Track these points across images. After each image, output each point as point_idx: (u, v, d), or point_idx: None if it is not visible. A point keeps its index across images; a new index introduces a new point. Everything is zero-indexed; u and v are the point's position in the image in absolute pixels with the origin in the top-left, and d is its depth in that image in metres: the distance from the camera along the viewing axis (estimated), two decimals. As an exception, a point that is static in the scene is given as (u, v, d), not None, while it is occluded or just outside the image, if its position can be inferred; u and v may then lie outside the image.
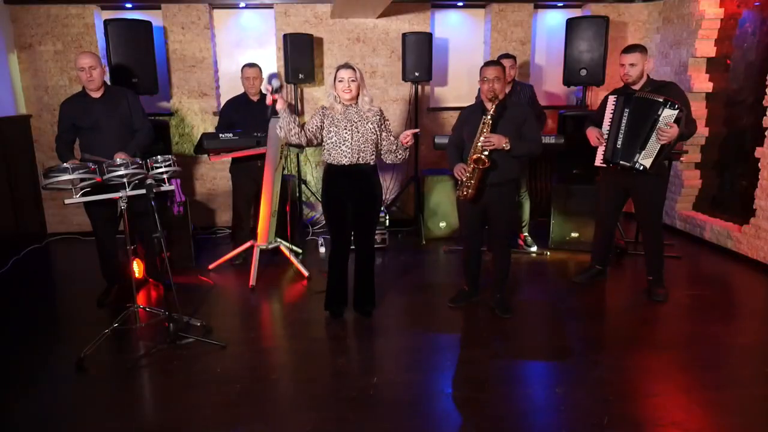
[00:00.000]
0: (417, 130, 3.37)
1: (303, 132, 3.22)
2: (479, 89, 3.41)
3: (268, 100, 3.15)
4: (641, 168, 3.49)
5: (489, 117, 3.16)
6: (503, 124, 3.24)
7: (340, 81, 3.18)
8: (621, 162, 3.57)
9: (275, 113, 3.19)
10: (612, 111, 3.65)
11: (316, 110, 3.33)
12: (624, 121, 3.55)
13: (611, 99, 3.70)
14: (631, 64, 3.51)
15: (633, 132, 3.51)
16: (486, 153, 3.15)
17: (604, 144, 3.67)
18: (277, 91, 3.17)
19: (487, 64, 3.29)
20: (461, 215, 3.56)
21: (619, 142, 3.58)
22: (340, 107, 3.23)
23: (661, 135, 3.37)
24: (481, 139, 3.15)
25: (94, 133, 3.57)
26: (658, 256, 3.79)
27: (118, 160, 3.13)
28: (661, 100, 3.39)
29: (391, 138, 3.35)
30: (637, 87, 3.58)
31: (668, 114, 3.37)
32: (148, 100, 4.73)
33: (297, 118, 3.24)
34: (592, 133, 3.73)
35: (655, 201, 3.70)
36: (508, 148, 3.17)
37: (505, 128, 3.22)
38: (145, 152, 3.63)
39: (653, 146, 3.44)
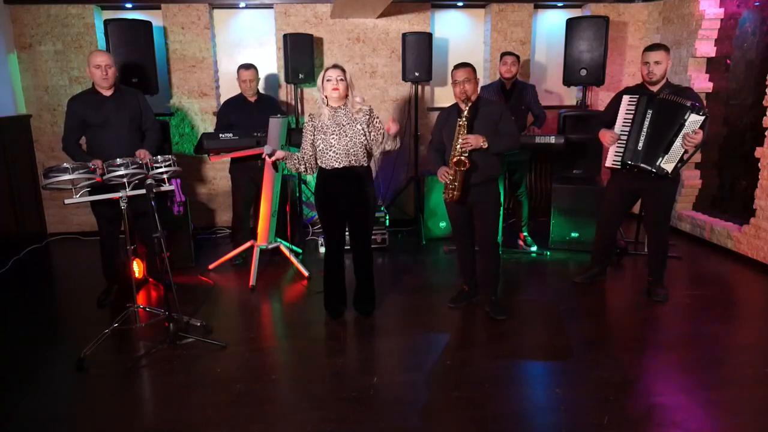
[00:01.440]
0: (396, 127, 3.22)
1: (307, 161, 3.31)
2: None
3: (268, 161, 3.32)
4: (663, 173, 3.42)
5: (464, 119, 3.19)
6: (479, 123, 3.26)
7: (328, 80, 3.18)
8: (641, 165, 3.49)
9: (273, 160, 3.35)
10: (632, 111, 3.56)
11: (305, 126, 3.32)
12: (647, 122, 3.47)
13: (626, 98, 3.61)
14: (656, 62, 3.43)
15: (657, 135, 3.43)
16: (465, 154, 3.17)
17: (620, 142, 3.59)
18: (271, 155, 3.29)
19: (456, 67, 3.30)
20: (449, 216, 3.58)
21: (641, 144, 3.49)
22: (328, 111, 3.23)
23: (688, 141, 3.31)
24: (459, 141, 3.18)
25: (104, 131, 3.60)
26: (661, 258, 3.78)
27: (160, 158, 3.22)
28: (688, 104, 3.33)
29: (381, 132, 3.29)
30: (656, 88, 3.51)
31: (694, 119, 3.32)
32: (149, 100, 4.72)
33: (301, 155, 3.32)
34: (605, 134, 3.63)
35: (666, 204, 3.66)
36: (486, 146, 3.19)
37: (481, 127, 3.24)
38: (156, 151, 3.69)
39: (677, 151, 3.38)
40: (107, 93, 3.61)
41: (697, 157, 5.24)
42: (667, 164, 3.43)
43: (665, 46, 3.51)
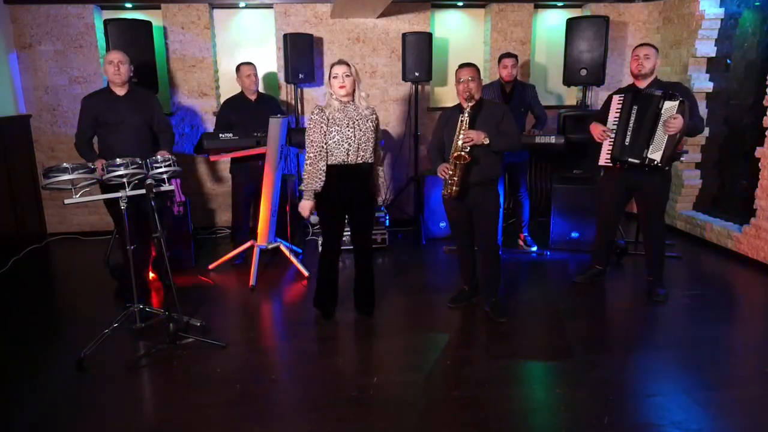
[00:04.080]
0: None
1: (323, 158, 3.18)
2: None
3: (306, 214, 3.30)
4: (653, 163, 3.49)
5: (466, 114, 3.20)
6: (481, 122, 3.27)
7: (334, 77, 3.18)
8: (630, 159, 3.57)
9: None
10: (619, 109, 3.66)
11: (313, 118, 3.18)
12: (632, 118, 3.58)
13: (616, 98, 3.71)
14: (646, 56, 3.55)
15: (640, 128, 3.54)
16: (466, 149, 3.18)
17: (610, 139, 3.67)
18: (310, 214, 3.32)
19: (462, 66, 3.32)
20: (448, 217, 3.58)
21: (628, 140, 3.60)
22: (338, 104, 3.22)
23: (668, 126, 3.40)
24: (461, 135, 3.18)
25: (117, 130, 3.60)
26: (659, 257, 3.78)
27: (160, 158, 3.24)
28: (659, 93, 3.46)
29: (377, 152, 3.35)
30: (644, 84, 3.60)
31: (669, 105, 3.42)
32: (148, 100, 4.74)
33: (314, 170, 3.18)
34: (596, 128, 3.73)
35: (658, 201, 3.70)
36: (488, 142, 3.20)
37: (483, 126, 3.25)
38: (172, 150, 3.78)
39: (660, 139, 3.46)
40: (121, 92, 3.63)
41: (697, 157, 5.24)
42: (654, 154, 3.50)
43: (654, 45, 3.64)
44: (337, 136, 3.17)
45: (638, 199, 3.77)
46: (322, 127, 3.16)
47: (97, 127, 3.63)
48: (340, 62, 3.20)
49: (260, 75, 4.69)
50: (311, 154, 3.17)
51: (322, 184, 3.19)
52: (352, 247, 3.51)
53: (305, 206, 3.25)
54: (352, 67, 3.20)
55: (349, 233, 3.61)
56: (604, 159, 3.74)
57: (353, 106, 3.24)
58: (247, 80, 4.44)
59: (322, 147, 3.17)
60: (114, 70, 3.56)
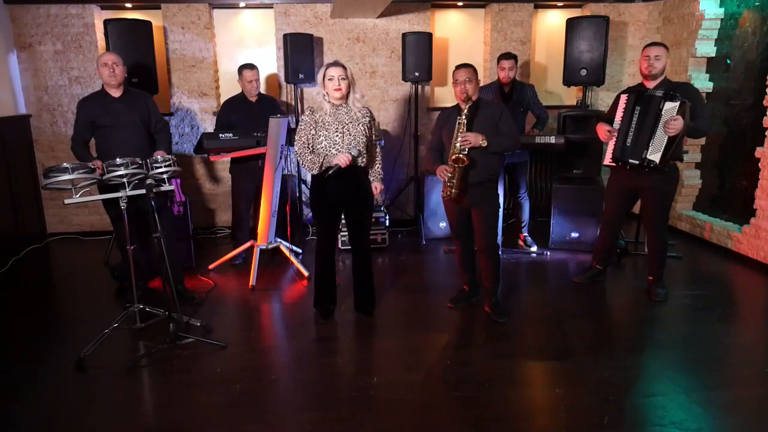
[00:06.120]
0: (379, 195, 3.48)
1: (309, 154, 3.18)
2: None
3: (343, 161, 3.08)
4: (651, 164, 3.49)
5: (464, 117, 3.21)
6: (479, 122, 3.28)
7: (329, 79, 3.12)
8: (630, 160, 3.57)
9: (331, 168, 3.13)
10: (623, 109, 3.66)
11: (303, 119, 3.20)
12: (635, 119, 3.58)
13: (623, 97, 3.70)
14: (656, 57, 3.53)
15: (642, 128, 3.54)
16: (464, 152, 3.18)
17: (614, 139, 3.67)
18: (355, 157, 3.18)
19: (458, 67, 3.32)
20: (448, 217, 3.58)
21: (629, 140, 3.59)
22: (329, 107, 3.18)
23: (669, 127, 3.39)
24: (459, 138, 3.19)
25: (112, 133, 3.57)
26: (661, 257, 3.78)
27: (160, 158, 3.23)
28: (660, 93, 3.45)
29: (373, 139, 3.34)
30: (653, 84, 3.59)
31: (670, 106, 3.41)
32: (148, 100, 4.73)
33: (312, 156, 3.18)
34: (602, 128, 3.72)
35: (663, 202, 3.69)
36: (485, 144, 3.20)
37: (481, 126, 3.26)
38: (170, 150, 3.76)
39: (660, 140, 3.46)
40: (116, 94, 3.60)
41: (697, 157, 5.24)
42: (653, 155, 3.50)
43: (665, 45, 3.62)
44: (325, 141, 3.16)
45: (643, 200, 3.77)
46: (309, 129, 3.19)
47: (94, 130, 3.61)
48: (336, 64, 3.14)
49: (261, 75, 4.68)
50: (297, 150, 3.22)
51: (319, 164, 3.15)
52: (350, 247, 3.52)
53: (340, 159, 3.10)
54: (348, 69, 3.15)
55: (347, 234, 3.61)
56: (608, 159, 3.74)
57: (345, 109, 3.21)
58: (249, 85, 4.44)
59: (306, 145, 3.19)
60: (109, 72, 3.53)
